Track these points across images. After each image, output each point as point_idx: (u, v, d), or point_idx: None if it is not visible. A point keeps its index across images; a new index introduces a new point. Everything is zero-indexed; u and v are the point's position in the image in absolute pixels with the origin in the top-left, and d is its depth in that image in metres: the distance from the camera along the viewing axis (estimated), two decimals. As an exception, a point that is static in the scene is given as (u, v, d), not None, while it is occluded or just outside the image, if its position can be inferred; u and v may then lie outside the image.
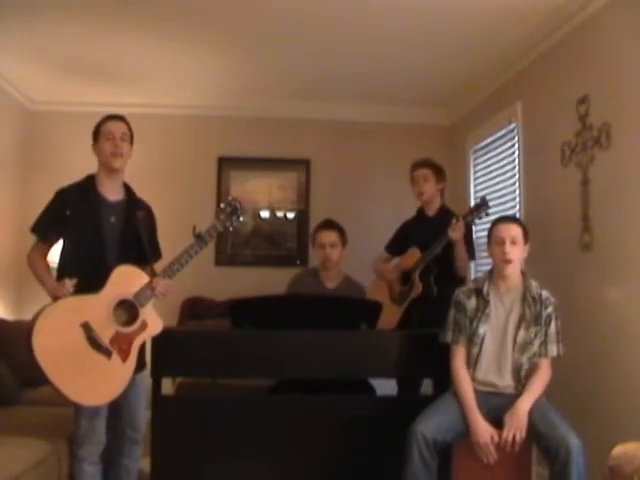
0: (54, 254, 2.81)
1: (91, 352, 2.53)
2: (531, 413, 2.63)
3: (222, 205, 2.86)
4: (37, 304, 2.62)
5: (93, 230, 2.71)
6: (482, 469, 2.66)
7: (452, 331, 2.85)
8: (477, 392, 2.74)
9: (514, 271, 2.80)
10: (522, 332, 2.75)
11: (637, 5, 2.96)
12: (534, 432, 2.60)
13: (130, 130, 2.83)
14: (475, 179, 4.90)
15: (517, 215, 3.93)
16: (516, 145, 4.15)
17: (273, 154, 5.32)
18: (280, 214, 5.37)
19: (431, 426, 2.60)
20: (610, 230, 3.12)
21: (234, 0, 3.47)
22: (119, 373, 2.58)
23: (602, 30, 3.21)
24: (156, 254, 2.91)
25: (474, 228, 3.66)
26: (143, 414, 2.88)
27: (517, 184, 4.11)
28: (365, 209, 5.32)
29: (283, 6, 3.51)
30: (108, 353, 2.55)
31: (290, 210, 5.38)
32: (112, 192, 2.80)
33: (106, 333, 2.56)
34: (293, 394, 3.18)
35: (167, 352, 2.93)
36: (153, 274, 2.73)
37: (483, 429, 2.64)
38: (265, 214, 5.36)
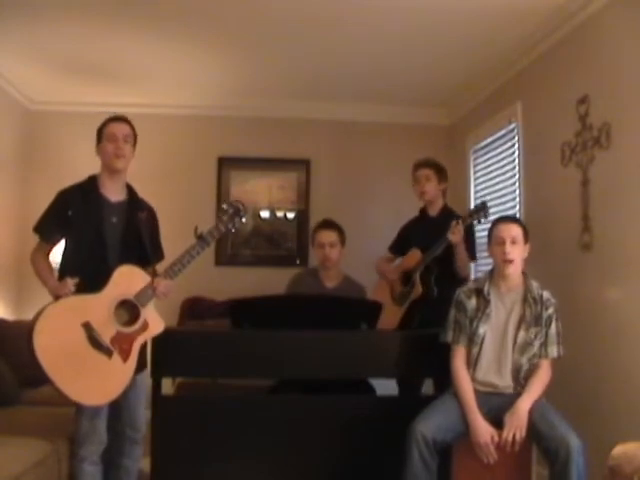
0: (56, 254, 2.81)
1: (92, 352, 2.53)
2: (531, 413, 2.63)
3: (224, 206, 2.87)
4: (37, 304, 2.62)
5: (95, 230, 2.71)
6: (482, 469, 2.66)
7: (452, 331, 2.85)
8: (477, 392, 2.74)
9: (515, 271, 2.80)
10: (522, 333, 2.75)
11: (637, 5, 2.96)
12: (534, 432, 2.60)
13: (133, 131, 2.84)
14: (475, 179, 4.90)
15: (517, 215, 3.93)
16: (516, 145, 4.15)
17: (273, 154, 5.32)
18: (280, 214, 5.37)
19: (431, 426, 2.60)
20: (610, 230, 3.12)
21: (234, 0, 3.47)
22: (120, 373, 2.58)
23: (602, 30, 3.21)
24: (158, 255, 2.91)
25: (475, 229, 3.66)
26: (143, 414, 2.88)
27: (517, 184, 4.11)
28: (365, 209, 5.32)
29: (283, 6, 3.51)
30: (109, 353, 2.55)
31: (290, 210, 5.38)
32: (114, 193, 2.81)
33: (107, 333, 2.56)
34: (293, 394, 3.18)
35: (167, 352, 2.92)
36: (155, 274, 2.74)
37: (483, 429, 2.64)
38: (265, 214, 5.36)
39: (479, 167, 4.84)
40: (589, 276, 3.28)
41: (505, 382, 2.74)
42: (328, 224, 3.70)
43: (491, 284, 2.85)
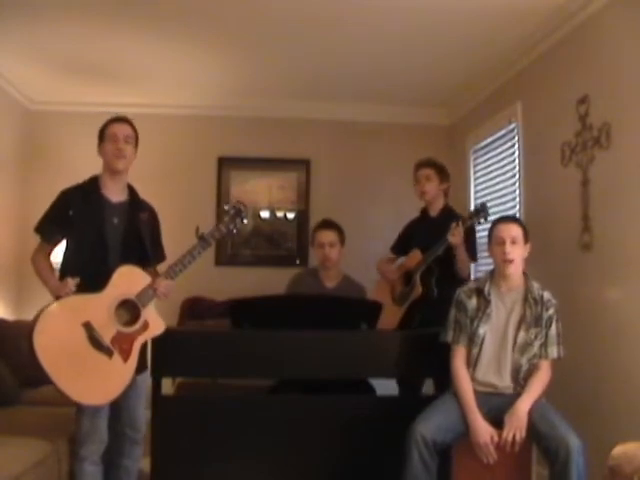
0: (57, 254, 2.82)
1: (92, 351, 2.53)
2: (531, 413, 2.63)
3: (226, 207, 2.87)
4: (37, 304, 2.62)
5: (95, 231, 2.72)
6: (482, 469, 2.66)
7: (453, 330, 2.85)
8: (477, 392, 2.74)
9: (515, 271, 2.80)
10: (522, 333, 2.75)
11: (637, 5, 2.96)
12: (534, 432, 2.60)
13: (135, 132, 2.84)
14: (475, 179, 4.90)
15: (517, 215, 3.93)
16: (516, 145, 4.15)
17: (273, 154, 5.32)
18: (280, 214, 5.37)
19: (431, 427, 2.60)
20: (610, 230, 3.12)
21: (234, 0, 3.47)
22: (120, 373, 2.58)
23: (602, 30, 3.21)
24: (160, 256, 2.92)
25: (476, 229, 3.66)
26: (143, 415, 2.88)
27: (517, 184, 4.12)
28: (365, 209, 5.32)
29: (283, 6, 3.51)
30: (109, 352, 2.55)
31: (290, 210, 5.38)
32: (115, 193, 2.81)
33: (107, 333, 2.56)
34: (293, 394, 3.18)
35: (167, 352, 2.92)
36: (156, 275, 2.74)
37: (483, 429, 2.64)
38: (265, 214, 5.36)
39: (479, 167, 4.84)
40: (589, 276, 3.28)
41: (504, 382, 2.74)
42: (327, 224, 3.70)
43: (492, 284, 2.85)
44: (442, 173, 3.69)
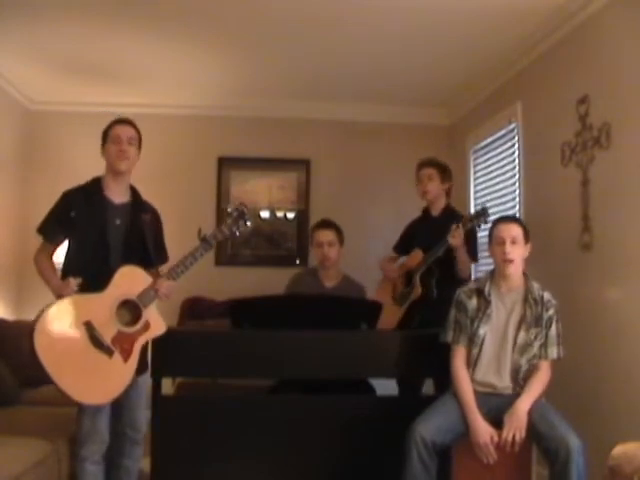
0: (59, 254, 2.82)
1: (93, 351, 2.53)
2: (531, 413, 2.63)
3: (229, 209, 2.88)
4: (37, 304, 2.63)
5: (98, 232, 2.72)
6: (482, 469, 2.66)
7: (453, 330, 2.85)
8: (476, 393, 2.73)
9: (515, 271, 2.80)
10: (522, 333, 2.75)
11: (637, 5, 2.96)
12: (534, 432, 2.60)
13: (138, 134, 2.85)
14: (475, 179, 4.90)
15: (517, 215, 3.93)
16: (516, 145, 4.15)
17: (273, 154, 5.32)
18: (280, 214, 5.37)
19: (430, 428, 2.60)
20: (610, 230, 3.12)
21: (234, 0, 3.47)
22: (120, 372, 2.58)
23: (602, 30, 3.21)
24: (162, 257, 2.92)
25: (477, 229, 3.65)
26: (143, 415, 2.88)
27: (517, 184, 4.12)
28: (365, 209, 5.32)
29: (283, 6, 3.51)
30: (110, 352, 2.56)
31: (290, 210, 5.38)
32: (118, 195, 2.82)
33: (108, 332, 2.57)
34: (293, 394, 3.18)
35: (167, 352, 2.92)
36: (157, 276, 2.74)
37: (483, 429, 2.64)
38: (265, 214, 5.35)
39: (479, 167, 4.83)
40: (589, 276, 3.28)
41: (504, 383, 2.74)
42: (326, 223, 3.71)
43: (492, 284, 2.85)
44: (444, 173, 3.69)
